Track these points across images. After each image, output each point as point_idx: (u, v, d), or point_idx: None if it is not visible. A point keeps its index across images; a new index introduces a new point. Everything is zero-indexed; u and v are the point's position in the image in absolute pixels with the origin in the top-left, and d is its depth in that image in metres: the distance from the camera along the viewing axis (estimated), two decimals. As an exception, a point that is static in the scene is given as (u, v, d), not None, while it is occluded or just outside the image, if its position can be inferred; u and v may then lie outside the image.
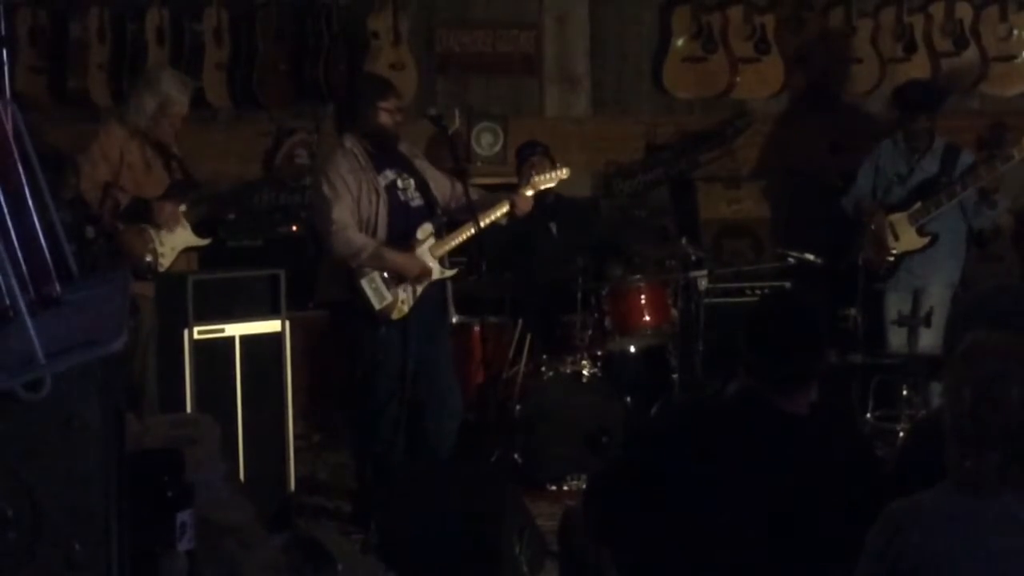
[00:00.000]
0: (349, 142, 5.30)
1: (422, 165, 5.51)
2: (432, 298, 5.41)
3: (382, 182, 5.28)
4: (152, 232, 5.43)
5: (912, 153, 6.38)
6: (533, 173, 5.74)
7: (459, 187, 5.47)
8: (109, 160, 5.44)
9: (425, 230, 5.35)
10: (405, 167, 5.39)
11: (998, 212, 6.46)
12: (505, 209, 5.47)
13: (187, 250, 5.54)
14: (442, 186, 5.49)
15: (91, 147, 5.47)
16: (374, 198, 5.25)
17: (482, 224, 5.31)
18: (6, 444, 1.64)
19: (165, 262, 5.43)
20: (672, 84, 7.67)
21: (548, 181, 5.64)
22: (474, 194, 5.53)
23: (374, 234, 5.24)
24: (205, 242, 5.58)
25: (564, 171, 5.75)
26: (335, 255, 5.26)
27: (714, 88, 7.65)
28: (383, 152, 5.34)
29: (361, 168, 5.26)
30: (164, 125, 5.57)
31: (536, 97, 7.76)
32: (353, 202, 5.21)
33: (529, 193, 5.57)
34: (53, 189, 1.94)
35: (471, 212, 5.29)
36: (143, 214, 5.42)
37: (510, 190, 5.66)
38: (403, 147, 5.49)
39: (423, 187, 5.39)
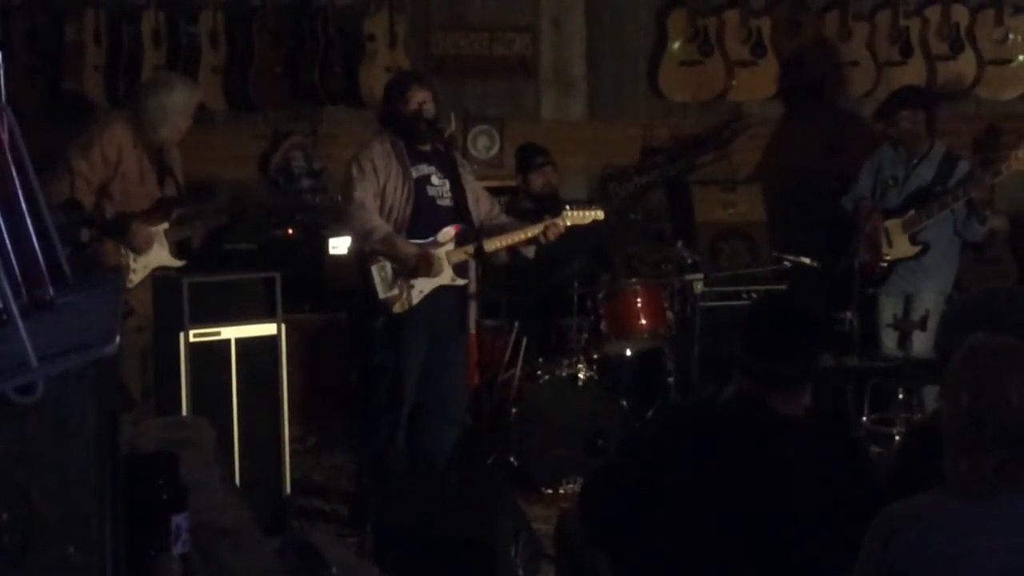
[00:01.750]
0: (388, 133, 5.35)
1: (466, 175, 5.48)
2: (448, 305, 5.39)
3: (414, 174, 5.30)
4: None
5: (910, 158, 6.35)
6: (568, 209, 5.63)
7: (495, 211, 5.56)
8: (107, 164, 5.30)
9: (447, 234, 5.34)
10: (445, 169, 5.37)
11: (987, 227, 6.41)
12: (538, 230, 5.44)
13: (160, 269, 5.39)
14: (481, 204, 5.49)
15: (91, 148, 5.30)
16: (401, 187, 5.27)
17: (487, 248, 5.31)
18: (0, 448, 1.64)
19: (136, 278, 5.29)
20: (668, 87, 7.67)
21: (582, 219, 5.61)
22: (504, 218, 5.61)
23: (396, 223, 5.27)
24: (180, 263, 5.43)
25: (600, 212, 5.73)
26: (350, 233, 5.37)
27: (710, 91, 7.65)
28: (423, 147, 5.35)
29: (396, 157, 5.29)
30: (180, 128, 5.48)
31: (532, 100, 7.76)
32: (378, 186, 5.26)
33: (566, 224, 5.53)
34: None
35: (475, 238, 5.27)
36: (120, 232, 5.27)
37: (506, 193, 5.63)
38: (453, 153, 5.47)
39: (458, 193, 5.34)
